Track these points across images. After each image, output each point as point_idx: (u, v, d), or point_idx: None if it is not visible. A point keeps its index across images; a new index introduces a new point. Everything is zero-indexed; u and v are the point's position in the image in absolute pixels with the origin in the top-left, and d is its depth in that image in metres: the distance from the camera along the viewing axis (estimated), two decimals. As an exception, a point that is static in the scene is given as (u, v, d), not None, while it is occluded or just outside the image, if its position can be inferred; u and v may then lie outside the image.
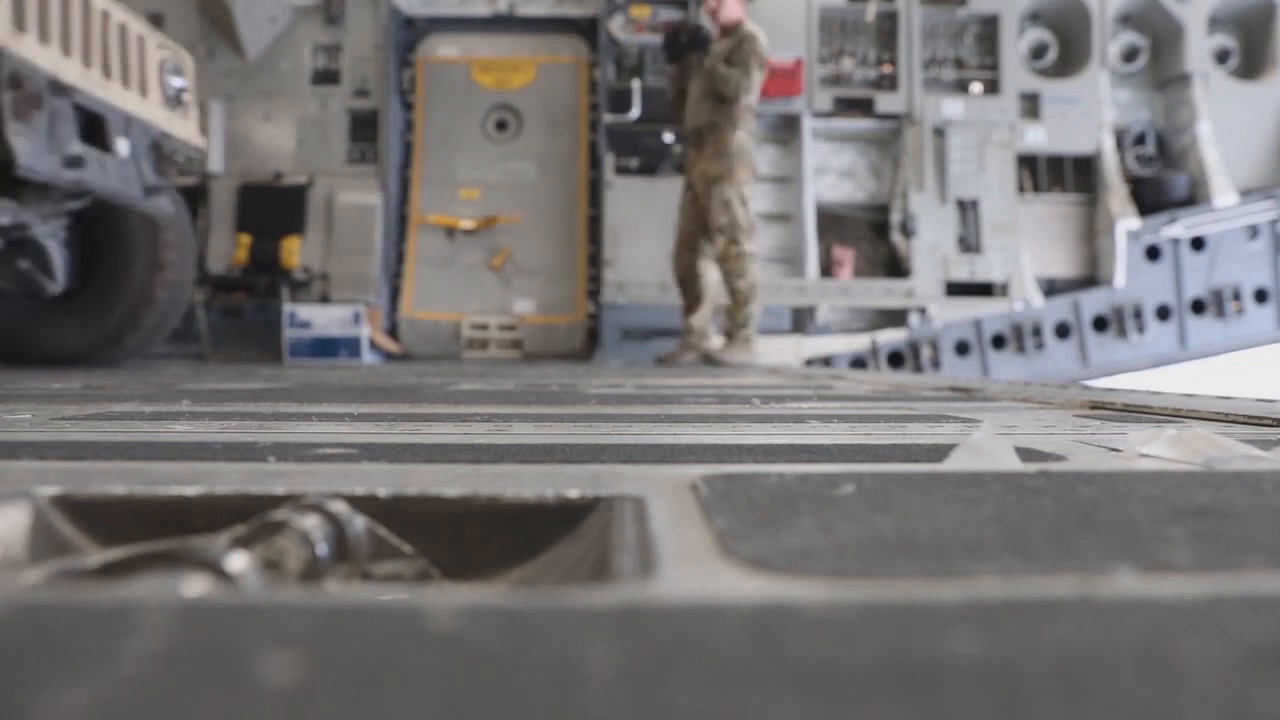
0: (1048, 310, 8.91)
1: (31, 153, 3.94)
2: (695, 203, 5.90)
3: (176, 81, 5.06)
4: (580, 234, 8.80)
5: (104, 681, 0.31)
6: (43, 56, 3.83)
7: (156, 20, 7.53)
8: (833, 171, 9.28)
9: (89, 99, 4.17)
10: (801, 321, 8.96)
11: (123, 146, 4.49)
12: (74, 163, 4.31)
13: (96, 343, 5.32)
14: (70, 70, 4.01)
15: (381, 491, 0.70)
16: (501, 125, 8.68)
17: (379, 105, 8.17)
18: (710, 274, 6.15)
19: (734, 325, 6.19)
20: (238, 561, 0.50)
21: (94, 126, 4.28)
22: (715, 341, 6.33)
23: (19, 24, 3.76)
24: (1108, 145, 9.16)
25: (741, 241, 5.98)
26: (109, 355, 5.36)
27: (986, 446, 0.97)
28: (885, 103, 9.08)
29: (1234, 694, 0.32)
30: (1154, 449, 0.96)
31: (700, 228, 6.14)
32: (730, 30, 5.99)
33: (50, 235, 4.85)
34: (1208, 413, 1.49)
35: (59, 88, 3.95)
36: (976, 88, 9.26)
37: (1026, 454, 0.98)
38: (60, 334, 5.28)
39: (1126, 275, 8.94)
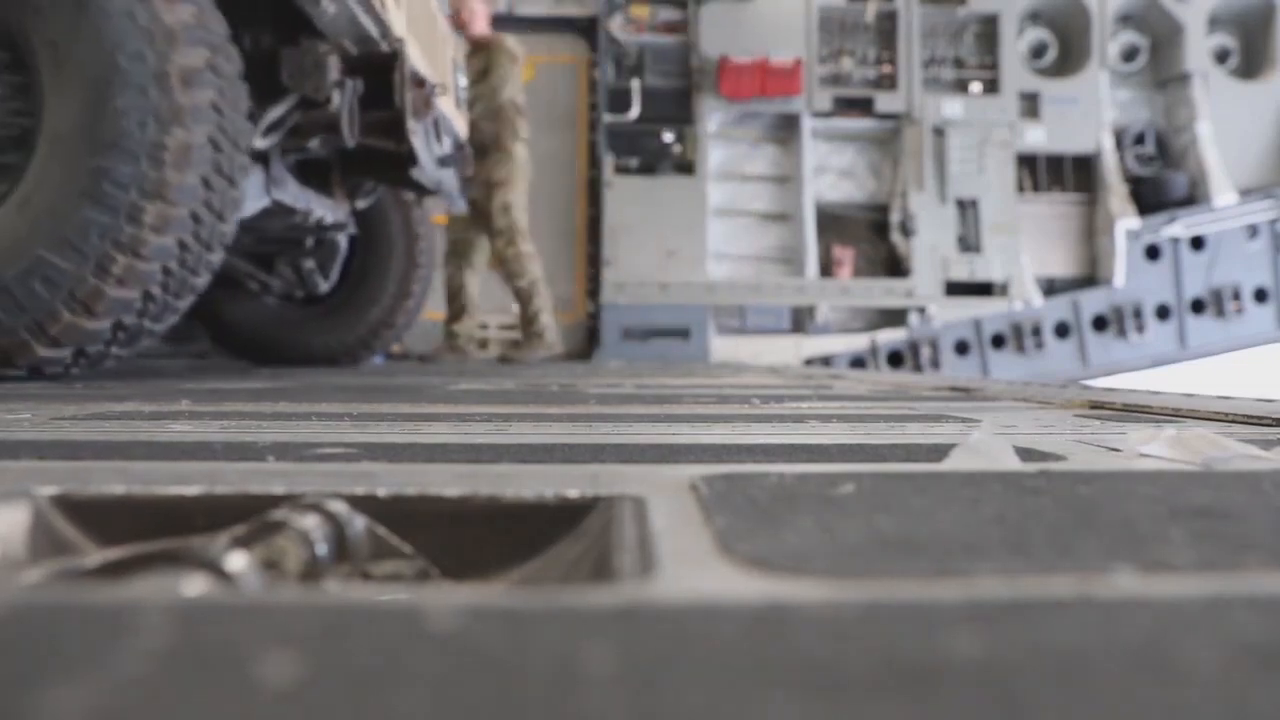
0: (1047, 310, 8.91)
1: (424, 152, 3.95)
2: (473, 208, 6.03)
3: (462, 80, 5.06)
4: (580, 234, 8.80)
5: (104, 681, 0.31)
6: (416, 56, 3.82)
7: None
8: (832, 171, 9.28)
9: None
10: (801, 321, 8.96)
11: (446, 145, 4.49)
12: (445, 162, 4.33)
13: (352, 343, 5.29)
14: (426, 69, 4.01)
15: (381, 491, 0.70)
16: (502, 124, 8.69)
17: (380, 105, 8.18)
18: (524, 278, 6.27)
19: (524, 323, 6.41)
20: (237, 561, 0.50)
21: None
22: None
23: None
24: (1107, 145, 9.16)
25: (519, 243, 6.21)
26: (361, 356, 5.34)
27: (986, 446, 0.97)
28: (885, 102, 9.08)
29: (1234, 694, 0.32)
30: (1154, 449, 0.96)
31: (476, 233, 6.30)
32: (480, 46, 6.01)
33: (343, 234, 4.84)
34: (1207, 412, 1.49)
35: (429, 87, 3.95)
36: (976, 87, 9.26)
37: (1026, 454, 0.98)
38: (320, 334, 5.23)
39: (1126, 275, 8.94)
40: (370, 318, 5.25)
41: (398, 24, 3.66)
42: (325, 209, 4.10)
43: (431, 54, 4.18)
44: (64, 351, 2.51)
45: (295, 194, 3.75)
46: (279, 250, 4.76)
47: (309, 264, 4.89)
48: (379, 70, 3.56)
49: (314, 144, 3.63)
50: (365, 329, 5.26)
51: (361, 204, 4.66)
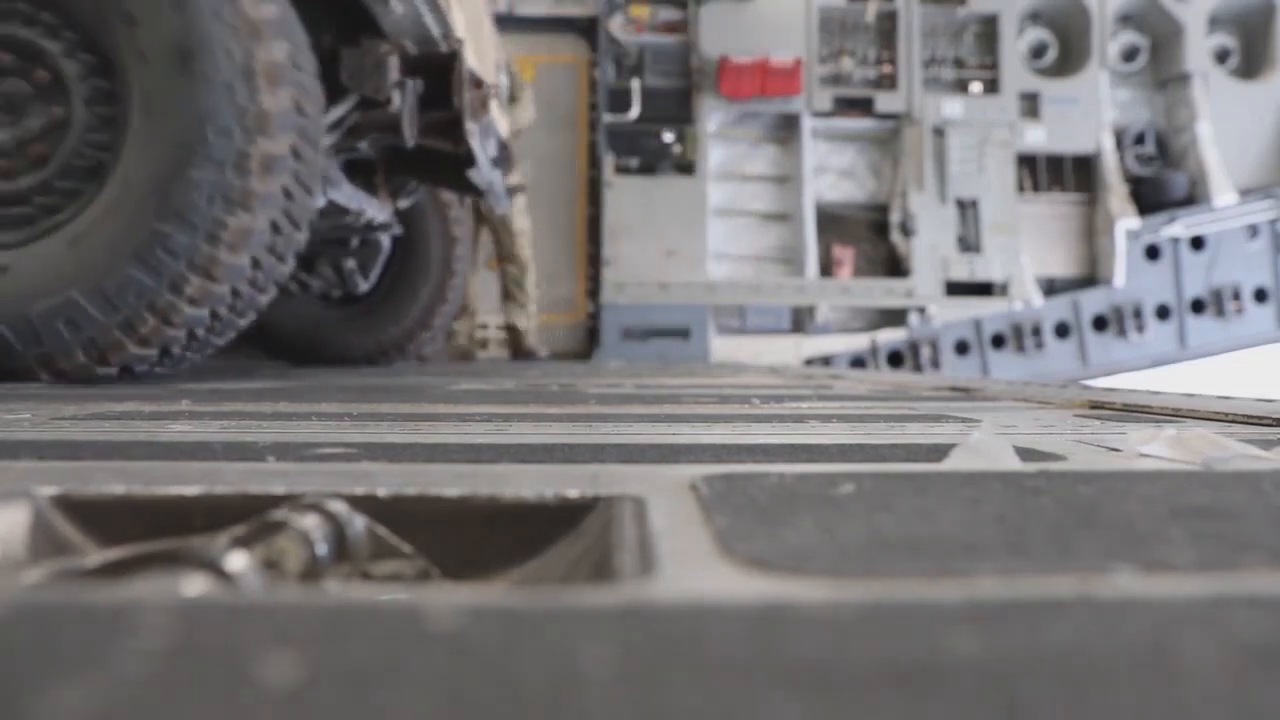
0: (1047, 310, 8.91)
1: (480, 153, 3.94)
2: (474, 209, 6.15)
3: (505, 80, 5.05)
4: (580, 234, 8.79)
5: (104, 681, 0.31)
6: (472, 58, 3.81)
7: None
8: (832, 171, 9.28)
9: None
10: (801, 321, 8.96)
11: (491, 147, 4.49)
12: (496, 163, 4.30)
13: (388, 344, 5.27)
14: (479, 70, 4.01)
15: (381, 491, 0.70)
16: (502, 125, 8.71)
17: (381, 105, 8.18)
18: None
19: (518, 321, 6.69)
20: (237, 561, 0.50)
21: None
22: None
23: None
24: (1107, 145, 9.16)
25: (526, 246, 6.44)
26: (394, 357, 5.32)
27: (986, 446, 0.97)
28: (885, 102, 9.07)
29: (1234, 694, 0.32)
30: (1154, 449, 0.96)
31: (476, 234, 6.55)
32: None
33: (388, 234, 4.84)
34: (1207, 412, 1.49)
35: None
36: (976, 87, 9.25)
37: (1026, 454, 0.98)
38: (355, 334, 5.21)
39: (1126, 275, 8.94)
40: (407, 320, 5.23)
41: (459, 24, 3.65)
42: (374, 209, 4.10)
43: (481, 54, 4.18)
44: (151, 350, 2.53)
45: (348, 194, 3.74)
46: (322, 250, 4.75)
47: (350, 264, 4.87)
48: (438, 71, 3.53)
49: (361, 144, 3.62)
50: (401, 331, 5.24)
51: (403, 204, 4.65)
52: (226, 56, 2.44)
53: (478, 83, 3.78)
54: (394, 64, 3.24)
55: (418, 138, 3.54)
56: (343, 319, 5.21)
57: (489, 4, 4.63)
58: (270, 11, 2.53)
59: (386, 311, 5.22)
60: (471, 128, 3.75)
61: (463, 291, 5.53)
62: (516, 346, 7.23)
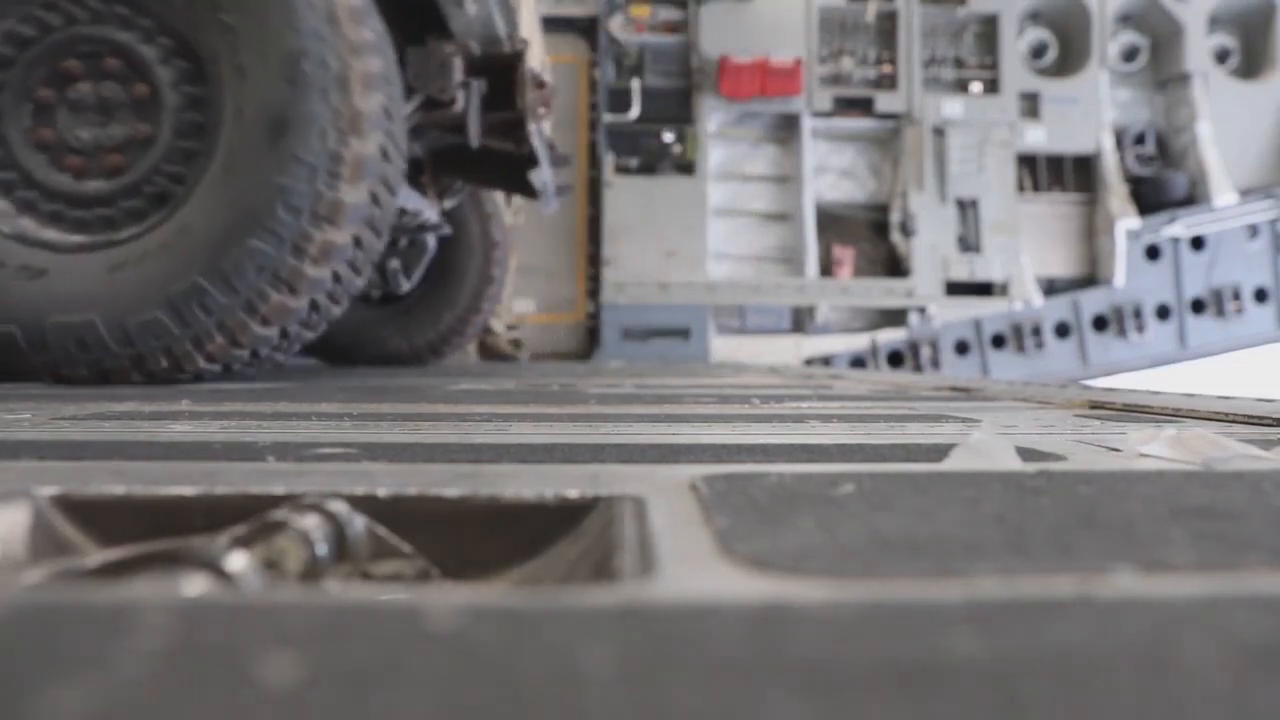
0: (1047, 310, 8.91)
1: (542, 153, 3.91)
2: None
3: (547, 78, 5.06)
4: (580, 234, 8.79)
5: (104, 681, 0.31)
6: (533, 57, 3.80)
7: None
8: (832, 171, 9.28)
9: None
10: (801, 321, 8.96)
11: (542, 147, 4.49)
12: (559, 161, 4.27)
13: (423, 346, 5.24)
14: (538, 68, 3.99)
15: (381, 491, 0.70)
16: (502, 125, 8.72)
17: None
18: None
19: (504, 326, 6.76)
20: (237, 561, 0.50)
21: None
22: None
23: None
24: (1107, 145, 9.16)
25: None
26: (428, 359, 5.31)
27: (986, 446, 0.97)
28: (885, 102, 9.08)
29: (1234, 694, 0.32)
30: (1154, 449, 0.96)
31: None
32: None
33: (436, 234, 4.83)
34: (1207, 412, 1.49)
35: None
36: (976, 87, 9.26)
37: (1026, 454, 0.98)
38: (393, 335, 5.19)
39: (1126, 275, 8.94)
40: (444, 322, 5.21)
41: (526, 24, 3.63)
42: (428, 209, 4.08)
43: (535, 54, 4.17)
44: (272, 330, 2.54)
45: (406, 194, 3.74)
46: None
47: (394, 264, 4.85)
48: (501, 71, 3.51)
49: (415, 144, 3.61)
50: (437, 333, 5.22)
51: (449, 204, 4.64)
52: (322, 67, 2.46)
53: (539, 83, 3.75)
54: (458, 64, 3.23)
55: (481, 138, 3.53)
56: (380, 319, 5.20)
57: (537, 2, 4.61)
58: (369, 35, 2.56)
59: (424, 313, 5.21)
60: (533, 128, 3.72)
61: (499, 294, 5.51)
62: (489, 348, 7.17)
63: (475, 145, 3.50)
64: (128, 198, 2.57)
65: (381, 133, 2.55)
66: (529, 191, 4.49)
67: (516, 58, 3.53)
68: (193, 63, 2.58)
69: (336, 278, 2.56)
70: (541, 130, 4.32)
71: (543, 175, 4.22)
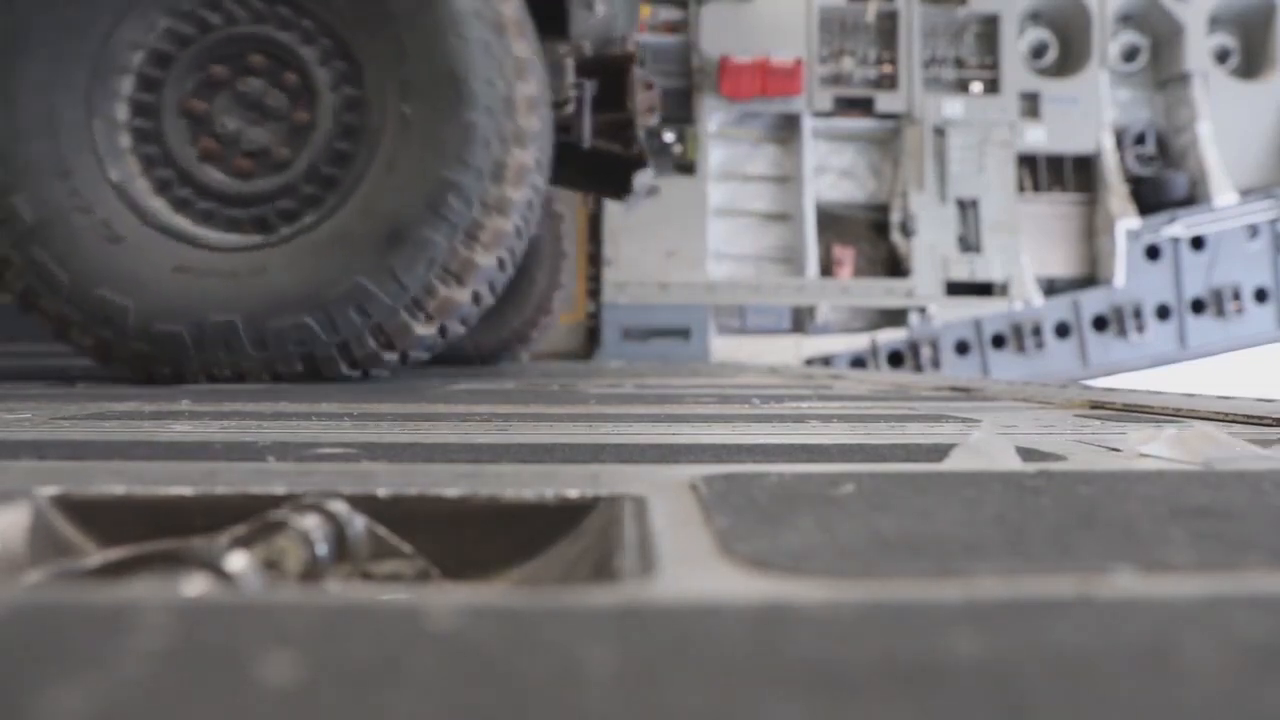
0: (1048, 310, 8.91)
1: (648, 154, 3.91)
2: None
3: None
4: (580, 234, 8.79)
5: (104, 681, 0.31)
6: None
7: None
8: (833, 171, 9.28)
9: None
10: (801, 321, 8.96)
11: None
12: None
13: (489, 348, 5.22)
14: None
15: (381, 491, 0.70)
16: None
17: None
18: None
19: None
20: (237, 561, 0.50)
21: None
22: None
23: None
24: (1108, 145, 9.15)
25: None
26: (492, 361, 5.31)
27: (986, 446, 0.97)
28: (885, 102, 9.07)
29: (1234, 694, 0.32)
30: (1154, 449, 0.96)
31: None
32: None
33: None
34: (1208, 412, 1.49)
35: None
36: (976, 87, 9.25)
37: (1026, 454, 0.98)
38: (462, 339, 5.20)
39: (1126, 275, 8.94)
40: (511, 326, 5.18)
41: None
42: None
43: None
44: (433, 327, 2.60)
45: None
46: None
47: None
48: (612, 72, 3.49)
49: None
50: (501, 338, 5.18)
51: None
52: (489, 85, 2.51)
53: (648, 84, 3.72)
54: (571, 65, 3.24)
55: (592, 140, 3.52)
56: None
57: None
58: (528, 49, 2.60)
59: (493, 315, 5.20)
60: (641, 130, 3.70)
61: (564, 298, 5.49)
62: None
63: (586, 146, 3.48)
64: (283, 198, 2.61)
65: (537, 147, 2.63)
66: (617, 193, 4.47)
67: (629, 59, 3.50)
68: (351, 64, 2.62)
69: (501, 264, 2.64)
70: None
71: (646, 177, 4.21)
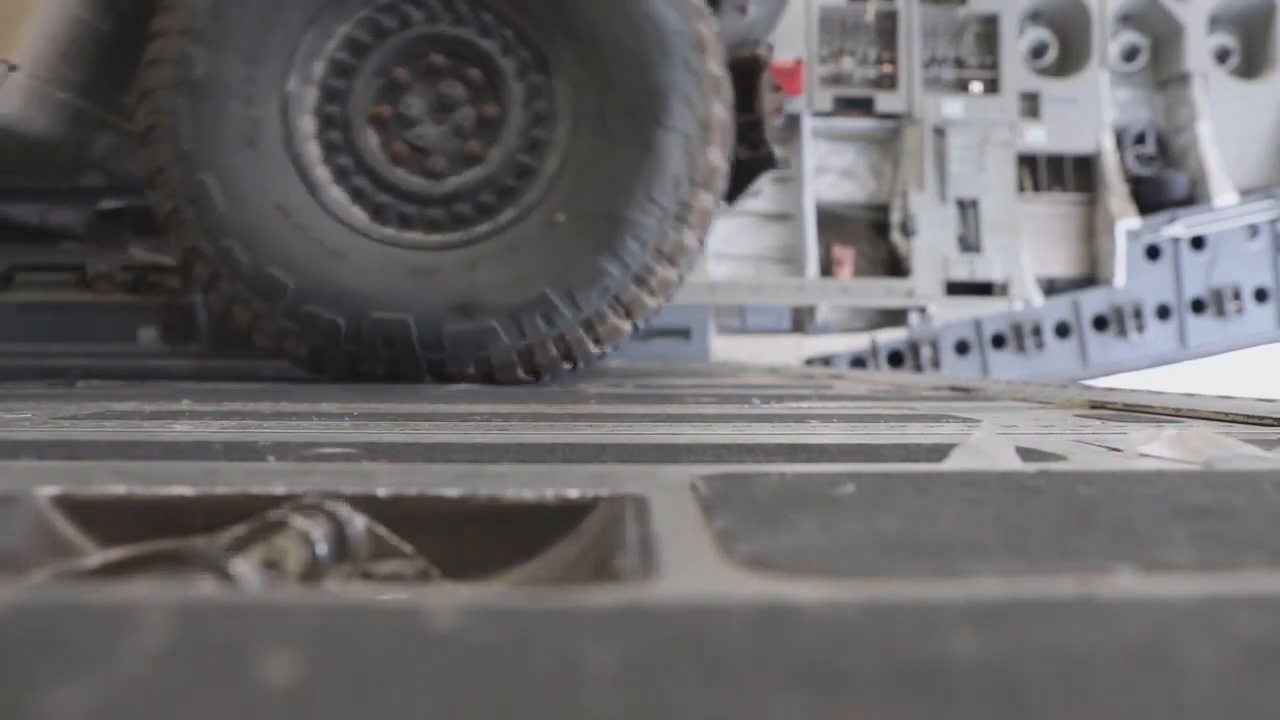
0: (1048, 310, 8.90)
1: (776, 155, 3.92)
2: None
3: None
4: (580, 234, 8.77)
5: (105, 681, 0.31)
6: None
7: None
8: (833, 171, 9.28)
9: None
10: (801, 321, 8.96)
11: None
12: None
13: None
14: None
15: (381, 491, 0.70)
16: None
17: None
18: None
19: None
20: (238, 562, 0.50)
21: None
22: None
23: None
24: (1108, 145, 9.15)
25: None
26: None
27: (986, 446, 0.97)
28: (885, 102, 9.07)
29: (1234, 694, 0.32)
30: (1154, 449, 0.96)
31: None
32: None
33: None
34: (1208, 412, 1.49)
35: None
36: (976, 87, 9.25)
37: (1026, 454, 0.98)
38: None
39: (1126, 275, 8.93)
40: None
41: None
42: None
43: None
44: (606, 348, 2.67)
45: None
46: None
47: None
48: (742, 74, 3.43)
49: None
50: None
51: None
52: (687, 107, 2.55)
53: (776, 86, 3.69)
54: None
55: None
56: None
57: None
58: (719, 69, 2.65)
59: None
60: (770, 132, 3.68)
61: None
62: None
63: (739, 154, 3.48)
64: (459, 201, 2.66)
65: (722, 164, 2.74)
66: (730, 195, 4.46)
67: (760, 62, 3.47)
68: (542, 72, 2.66)
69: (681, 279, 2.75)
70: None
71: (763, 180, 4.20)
